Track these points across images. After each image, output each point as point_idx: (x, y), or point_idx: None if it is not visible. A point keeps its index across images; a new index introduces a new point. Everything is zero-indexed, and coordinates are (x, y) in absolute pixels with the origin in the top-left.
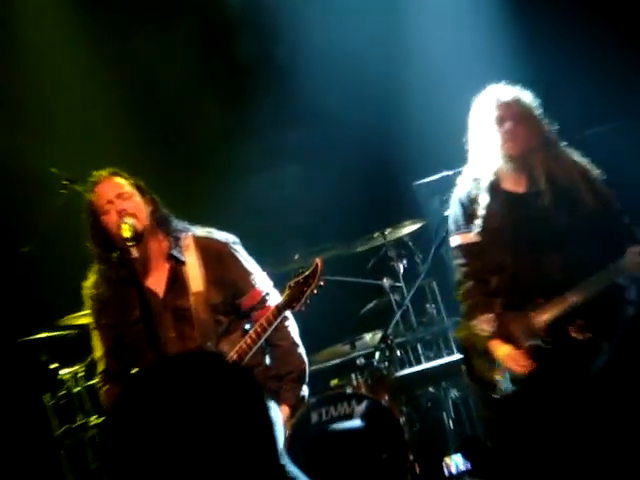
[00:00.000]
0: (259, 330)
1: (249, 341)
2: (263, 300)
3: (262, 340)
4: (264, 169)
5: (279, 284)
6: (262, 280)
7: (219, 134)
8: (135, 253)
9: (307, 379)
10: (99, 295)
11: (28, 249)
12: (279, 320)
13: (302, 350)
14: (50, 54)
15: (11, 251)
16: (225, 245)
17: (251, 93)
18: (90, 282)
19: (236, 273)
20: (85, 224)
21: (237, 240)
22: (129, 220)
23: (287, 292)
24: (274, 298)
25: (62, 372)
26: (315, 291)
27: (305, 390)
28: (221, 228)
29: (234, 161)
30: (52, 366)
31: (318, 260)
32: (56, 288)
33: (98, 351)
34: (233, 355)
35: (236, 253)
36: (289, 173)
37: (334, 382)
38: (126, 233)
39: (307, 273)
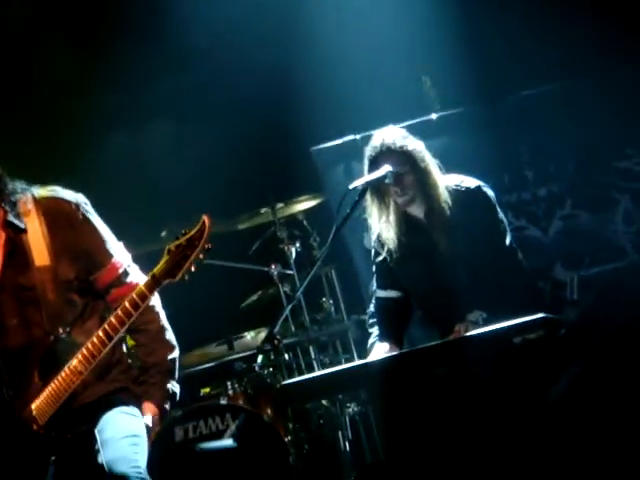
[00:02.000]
0: (124, 311)
1: (109, 328)
2: (124, 274)
3: (127, 325)
4: (126, 124)
5: (141, 266)
6: (120, 251)
7: (70, 81)
8: None
9: (177, 371)
10: None
11: None
12: (152, 296)
13: (172, 335)
14: None
15: None
16: (76, 206)
17: (110, 31)
18: None
19: (90, 241)
20: None
21: (87, 201)
22: None
23: (166, 258)
24: (136, 274)
25: None
26: (202, 256)
27: (176, 386)
28: None
29: (89, 114)
30: None
31: (205, 217)
32: None
33: None
34: (87, 348)
35: (89, 215)
36: (157, 130)
37: (205, 391)
38: None
39: (191, 233)
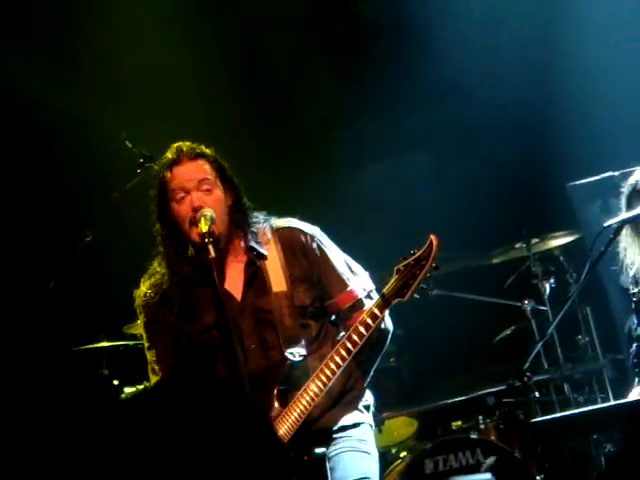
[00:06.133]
0: (356, 333)
1: (342, 349)
2: (358, 303)
3: (359, 346)
4: (384, 156)
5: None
6: (360, 280)
7: (331, 111)
8: (213, 252)
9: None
10: (157, 299)
11: (90, 238)
12: (385, 315)
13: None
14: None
15: (70, 239)
16: (311, 237)
17: (373, 64)
18: (145, 287)
19: (324, 270)
20: (152, 202)
21: (323, 234)
22: (208, 212)
23: (395, 277)
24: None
25: (126, 391)
26: (429, 275)
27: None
28: (326, 225)
29: (347, 145)
30: (114, 382)
31: (433, 237)
32: (123, 287)
33: (154, 375)
34: (322, 371)
35: (323, 246)
36: (413, 163)
37: (456, 424)
38: (204, 227)
39: (419, 253)
